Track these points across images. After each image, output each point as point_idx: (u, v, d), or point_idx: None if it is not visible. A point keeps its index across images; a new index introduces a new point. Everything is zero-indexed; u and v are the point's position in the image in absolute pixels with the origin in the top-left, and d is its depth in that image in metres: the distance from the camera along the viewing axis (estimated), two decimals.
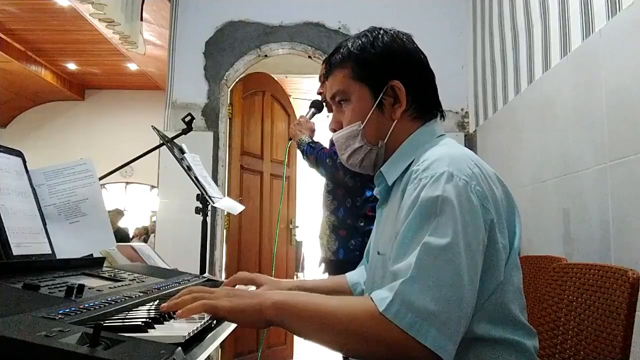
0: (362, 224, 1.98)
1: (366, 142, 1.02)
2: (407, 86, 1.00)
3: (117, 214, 7.22)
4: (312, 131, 2.16)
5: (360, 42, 1.03)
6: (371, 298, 0.80)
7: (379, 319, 0.77)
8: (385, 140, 1.02)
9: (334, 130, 1.08)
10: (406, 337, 0.75)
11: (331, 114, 1.11)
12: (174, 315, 0.79)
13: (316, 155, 2.03)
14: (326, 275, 2.09)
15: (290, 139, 2.23)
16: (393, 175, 1.01)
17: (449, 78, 3.43)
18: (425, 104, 1.03)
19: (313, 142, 2.10)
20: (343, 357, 1.80)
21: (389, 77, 1.00)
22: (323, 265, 2.15)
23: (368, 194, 1.98)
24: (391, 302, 0.77)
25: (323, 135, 2.13)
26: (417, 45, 1.05)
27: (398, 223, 0.89)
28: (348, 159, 1.07)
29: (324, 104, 2.15)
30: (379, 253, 1.02)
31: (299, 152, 2.18)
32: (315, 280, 1.37)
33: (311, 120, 2.20)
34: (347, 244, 2.00)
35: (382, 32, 1.03)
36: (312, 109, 2.20)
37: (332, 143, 2.04)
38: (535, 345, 0.92)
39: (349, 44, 1.04)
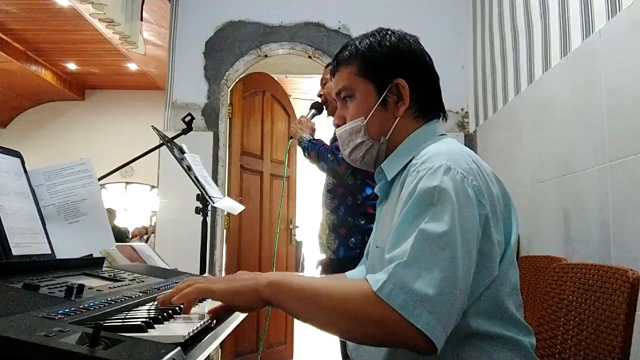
0: (362, 222, 1.99)
1: (368, 137, 1.04)
2: (411, 85, 1.02)
3: (109, 213, 7.22)
4: (313, 130, 2.18)
5: (368, 40, 1.05)
6: (366, 279, 0.81)
7: (373, 298, 0.77)
8: (387, 137, 1.04)
9: (337, 126, 1.10)
10: (399, 318, 0.75)
11: (332, 117, 1.12)
12: (175, 308, 0.79)
13: (317, 150, 2.04)
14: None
15: (290, 138, 2.24)
16: (393, 171, 1.03)
17: (449, 78, 3.40)
18: (428, 103, 1.05)
19: (314, 138, 2.12)
20: (340, 341, 1.81)
21: (394, 76, 1.02)
22: (320, 267, 2.15)
23: (368, 191, 1.98)
24: (385, 283, 0.77)
25: (324, 136, 2.15)
26: (423, 47, 1.08)
27: (396, 215, 0.89)
28: (350, 154, 1.08)
29: (324, 106, 2.17)
30: (377, 247, 1.03)
31: (299, 151, 2.19)
32: (315, 278, 1.38)
33: (312, 121, 2.21)
34: (348, 242, 2.01)
35: (389, 32, 1.06)
36: (313, 110, 2.22)
37: (333, 139, 2.05)
38: (532, 342, 0.92)
39: (357, 42, 1.06)
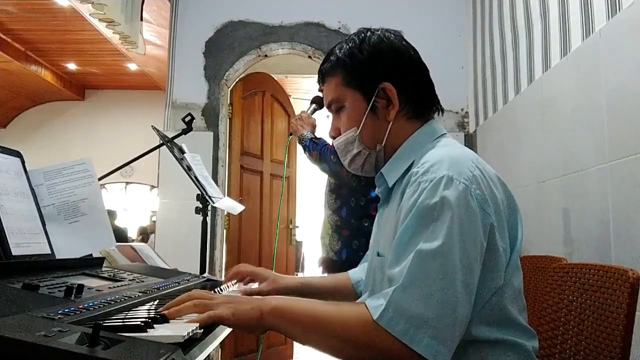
0: (366, 224, 1.95)
1: (364, 146, 1.03)
2: (398, 86, 0.99)
3: (109, 215, 7.18)
4: (314, 127, 2.11)
5: (347, 47, 1.03)
6: (366, 305, 0.80)
7: (373, 326, 0.77)
8: (384, 143, 1.02)
9: (333, 137, 1.09)
10: (400, 345, 0.75)
11: (331, 114, 1.11)
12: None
13: (319, 151, 1.99)
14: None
15: (290, 134, 2.17)
16: (393, 176, 1.01)
17: (449, 78, 3.44)
18: (420, 101, 1.02)
19: (316, 137, 2.05)
20: None
21: (378, 80, 0.99)
22: (322, 267, 2.12)
23: (373, 194, 1.95)
24: (384, 310, 0.77)
25: (324, 132, 2.10)
26: (407, 42, 1.04)
27: (397, 225, 0.88)
28: (349, 165, 1.07)
29: None
30: (378, 254, 1.02)
31: (299, 150, 2.15)
32: (319, 278, 1.37)
33: (312, 116, 2.15)
34: (351, 244, 1.97)
35: (369, 33, 1.03)
36: (314, 105, 2.14)
37: None
38: (535, 346, 0.91)
39: (337, 51, 1.04)
